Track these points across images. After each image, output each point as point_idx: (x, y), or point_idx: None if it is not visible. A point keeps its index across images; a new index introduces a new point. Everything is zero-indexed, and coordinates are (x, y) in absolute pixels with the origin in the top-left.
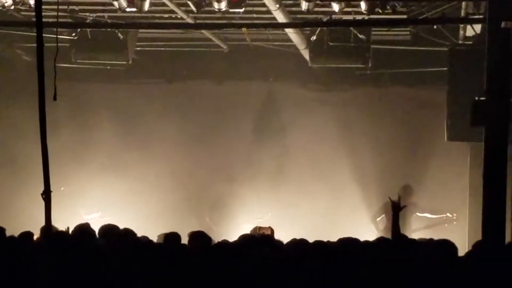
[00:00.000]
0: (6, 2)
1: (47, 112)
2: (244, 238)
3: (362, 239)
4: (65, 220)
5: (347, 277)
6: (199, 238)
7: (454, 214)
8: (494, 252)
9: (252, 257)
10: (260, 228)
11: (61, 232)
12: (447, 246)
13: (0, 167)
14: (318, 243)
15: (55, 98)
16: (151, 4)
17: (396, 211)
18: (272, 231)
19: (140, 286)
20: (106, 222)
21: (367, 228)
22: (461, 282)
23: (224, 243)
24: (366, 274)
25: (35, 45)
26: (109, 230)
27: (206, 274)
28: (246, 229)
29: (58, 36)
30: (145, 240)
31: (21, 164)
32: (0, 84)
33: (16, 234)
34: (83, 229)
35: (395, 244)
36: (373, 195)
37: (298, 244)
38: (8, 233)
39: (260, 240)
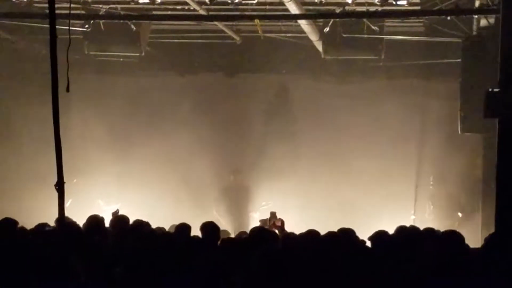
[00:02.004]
0: None
1: (59, 104)
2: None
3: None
4: (85, 212)
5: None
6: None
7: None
8: (508, 244)
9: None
10: (272, 217)
11: (73, 223)
12: (454, 237)
13: (15, 159)
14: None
15: (68, 90)
16: None
17: None
18: (283, 222)
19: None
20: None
21: (376, 219)
22: (471, 273)
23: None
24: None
25: (48, 36)
26: (120, 221)
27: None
28: (254, 218)
29: (71, 28)
30: (160, 231)
31: (37, 157)
32: (13, 76)
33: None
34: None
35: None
36: (386, 186)
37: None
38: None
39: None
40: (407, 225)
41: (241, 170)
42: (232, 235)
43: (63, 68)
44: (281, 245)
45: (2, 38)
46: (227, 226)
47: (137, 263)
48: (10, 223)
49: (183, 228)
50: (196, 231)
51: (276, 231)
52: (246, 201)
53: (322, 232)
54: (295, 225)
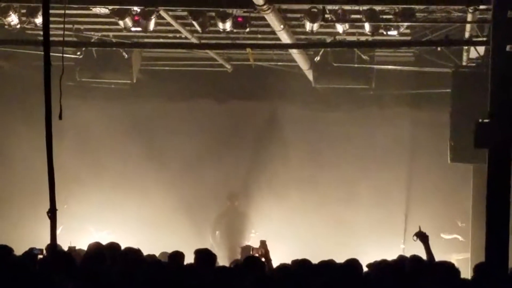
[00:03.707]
0: (12, 21)
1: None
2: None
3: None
4: (75, 238)
5: None
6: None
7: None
8: (498, 275)
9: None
10: (253, 248)
11: (66, 252)
12: (448, 267)
13: (6, 185)
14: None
15: (60, 117)
16: (156, 24)
17: (424, 240)
18: (266, 251)
19: None
20: (113, 240)
21: (366, 248)
22: None
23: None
24: None
25: (39, 63)
26: (112, 248)
27: None
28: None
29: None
30: (151, 259)
31: (28, 182)
32: (5, 102)
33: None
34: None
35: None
36: (374, 216)
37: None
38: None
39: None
40: (396, 254)
41: (237, 195)
42: (227, 263)
43: (55, 95)
44: (273, 274)
45: None
46: (222, 253)
47: None
48: (4, 251)
49: (176, 256)
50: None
51: (263, 258)
52: (242, 228)
53: (314, 258)
54: (287, 252)
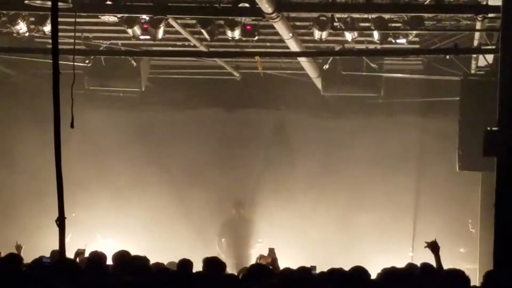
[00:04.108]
0: (21, 29)
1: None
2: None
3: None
4: (84, 244)
5: None
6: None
7: (463, 249)
8: (508, 284)
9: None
10: (261, 256)
11: (71, 260)
12: (458, 275)
13: (15, 192)
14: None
15: (72, 126)
16: (165, 32)
17: (435, 250)
18: (274, 259)
19: None
20: (120, 248)
21: (374, 254)
22: None
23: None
24: None
25: (47, 71)
26: (121, 256)
27: None
28: (252, 255)
29: (72, 63)
30: (158, 267)
31: (36, 189)
32: (13, 110)
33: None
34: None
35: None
36: (383, 223)
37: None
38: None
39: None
40: (405, 261)
41: (242, 203)
42: (235, 271)
43: (63, 103)
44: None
45: (2, 73)
46: (229, 261)
47: None
48: (15, 260)
49: (185, 264)
50: (197, 266)
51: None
52: (248, 235)
53: (322, 265)
54: (294, 259)
